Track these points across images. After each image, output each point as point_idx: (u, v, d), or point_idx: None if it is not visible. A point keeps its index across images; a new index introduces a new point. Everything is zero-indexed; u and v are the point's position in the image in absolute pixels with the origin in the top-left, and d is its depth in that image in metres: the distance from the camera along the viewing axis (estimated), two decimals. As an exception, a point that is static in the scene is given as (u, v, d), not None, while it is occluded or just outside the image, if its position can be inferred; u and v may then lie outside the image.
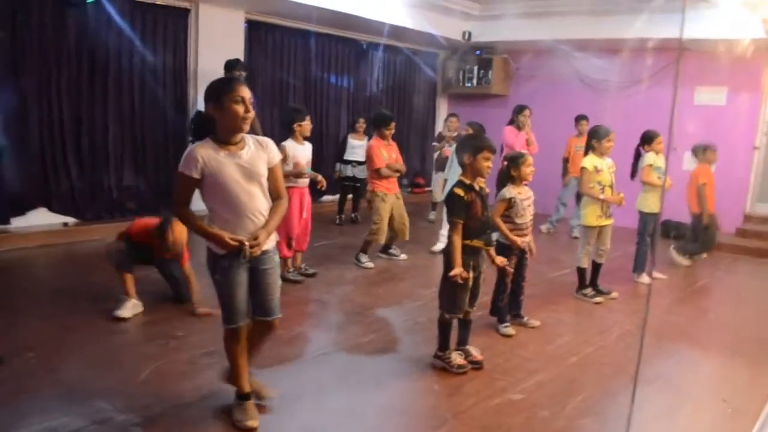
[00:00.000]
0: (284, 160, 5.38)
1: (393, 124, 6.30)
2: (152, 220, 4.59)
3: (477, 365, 3.92)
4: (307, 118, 5.47)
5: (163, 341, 4.02)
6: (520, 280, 4.72)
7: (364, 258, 6.20)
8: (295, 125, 5.40)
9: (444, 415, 3.33)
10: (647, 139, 6.17)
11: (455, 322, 3.96)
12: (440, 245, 7.00)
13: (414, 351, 4.28)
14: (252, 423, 3.02)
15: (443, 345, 3.95)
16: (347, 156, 8.30)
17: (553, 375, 3.93)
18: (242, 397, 3.11)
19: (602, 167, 5.38)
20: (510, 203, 4.52)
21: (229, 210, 2.87)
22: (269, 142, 3.05)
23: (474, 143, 3.85)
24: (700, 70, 8.16)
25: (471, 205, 3.75)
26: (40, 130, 6.34)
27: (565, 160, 8.38)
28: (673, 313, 5.41)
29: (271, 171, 2.98)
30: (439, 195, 8.19)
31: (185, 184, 2.84)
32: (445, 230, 6.99)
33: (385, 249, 6.60)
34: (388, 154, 6.27)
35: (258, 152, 2.94)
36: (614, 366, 4.16)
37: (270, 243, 3.00)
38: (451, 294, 3.85)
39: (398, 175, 6.33)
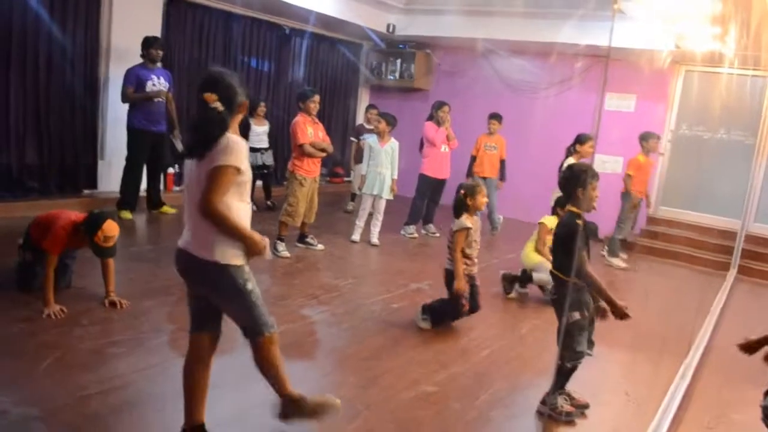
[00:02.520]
0: None
1: (317, 98, 6.22)
2: (60, 220, 4.10)
3: (583, 408, 3.56)
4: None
5: (65, 329, 3.81)
6: (476, 308, 4.65)
7: (280, 247, 6.10)
8: None
9: (358, 408, 3.32)
10: (579, 141, 6.47)
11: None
12: (357, 236, 7.01)
13: (330, 343, 4.27)
14: None
15: (558, 389, 3.54)
16: (252, 144, 7.78)
17: (465, 368, 4.01)
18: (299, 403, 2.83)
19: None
20: (467, 233, 4.50)
21: (245, 208, 2.66)
22: None
23: (585, 174, 3.50)
24: (612, 77, 8.53)
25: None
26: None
27: (473, 158, 8.23)
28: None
29: None
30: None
31: (232, 178, 2.52)
32: (361, 221, 7.00)
33: (302, 238, 6.52)
34: (314, 131, 6.19)
35: None
36: (523, 360, 4.28)
37: None
38: (573, 339, 3.40)
39: (323, 155, 6.23)
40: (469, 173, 8.24)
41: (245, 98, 2.67)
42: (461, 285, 4.44)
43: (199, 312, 2.75)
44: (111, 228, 4.06)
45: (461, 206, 4.55)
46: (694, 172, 8.67)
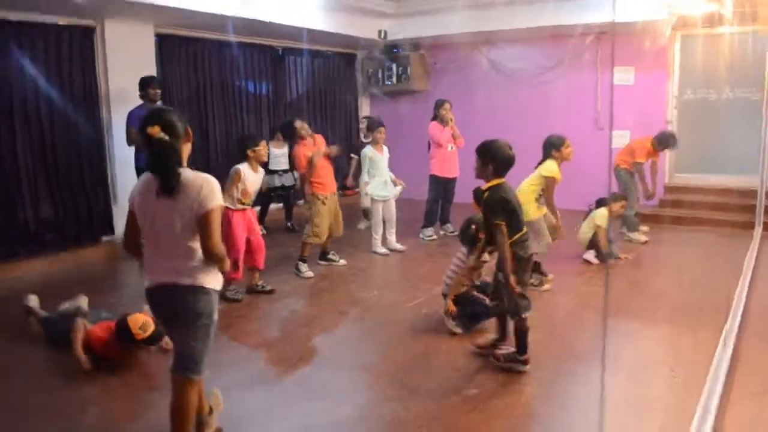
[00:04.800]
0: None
1: (299, 122, 6.22)
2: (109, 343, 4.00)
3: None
4: (262, 143, 5.29)
5: (104, 381, 3.81)
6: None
7: (303, 267, 6.09)
8: (249, 152, 5.22)
9: (403, 421, 3.29)
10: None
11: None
12: (379, 247, 6.98)
13: (365, 358, 4.24)
14: None
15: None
16: (272, 166, 8.02)
17: (504, 365, 3.96)
18: None
19: None
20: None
21: None
22: None
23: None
24: (608, 52, 8.48)
25: None
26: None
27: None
28: (609, 288, 5.54)
29: None
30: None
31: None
32: (378, 234, 6.96)
33: (324, 255, 6.51)
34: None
35: None
36: (562, 347, 4.23)
37: None
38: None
39: (326, 154, 6.21)
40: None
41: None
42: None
43: None
44: (136, 320, 3.91)
45: (474, 241, 4.56)
46: (705, 135, 8.57)
